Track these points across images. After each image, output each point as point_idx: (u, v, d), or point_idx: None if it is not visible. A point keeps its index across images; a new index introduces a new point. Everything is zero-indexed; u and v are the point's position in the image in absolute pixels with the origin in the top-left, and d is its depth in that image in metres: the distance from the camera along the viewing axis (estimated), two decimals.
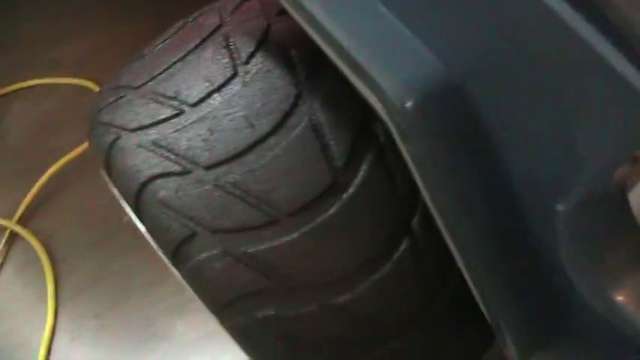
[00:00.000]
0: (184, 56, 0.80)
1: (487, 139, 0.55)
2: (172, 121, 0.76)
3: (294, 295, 0.74)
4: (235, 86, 0.75)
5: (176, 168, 0.74)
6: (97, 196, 1.92)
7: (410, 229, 0.74)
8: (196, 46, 0.80)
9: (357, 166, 0.72)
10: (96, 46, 2.33)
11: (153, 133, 0.77)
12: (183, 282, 0.84)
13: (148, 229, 0.80)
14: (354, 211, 0.72)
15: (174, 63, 0.80)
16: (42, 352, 1.68)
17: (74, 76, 2.26)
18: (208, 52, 0.79)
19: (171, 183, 0.74)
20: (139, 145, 0.77)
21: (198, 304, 1.72)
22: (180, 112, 0.76)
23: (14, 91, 2.31)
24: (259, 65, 0.75)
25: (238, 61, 0.76)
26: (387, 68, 0.53)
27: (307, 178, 0.71)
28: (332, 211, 0.71)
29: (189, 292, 1.70)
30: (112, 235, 1.85)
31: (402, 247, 0.74)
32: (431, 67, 0.54)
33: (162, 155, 0.75)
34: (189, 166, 0.74)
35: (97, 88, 2.17)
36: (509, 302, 0.67)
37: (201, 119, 0.75)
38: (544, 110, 0.50)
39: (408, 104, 0.52)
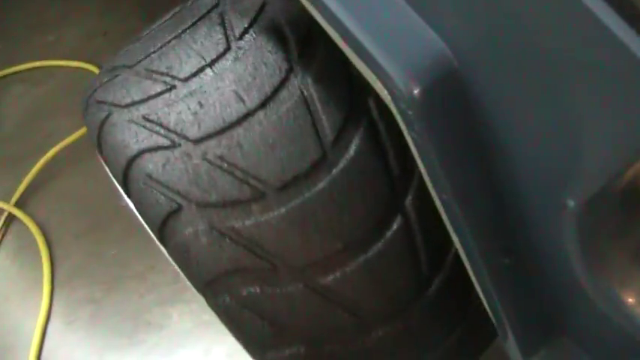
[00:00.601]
0: (179, 34, 0.79)
1: (494, 129, 0.53)
2: (163, 96, 0.75)
3: (280, 273, 0.72)
4: (227, 61, 0.74)
5: (165, 142, 0.73)
6: (94, 182, 1.90)
7: (403, 208, 0.72)
8: (192, 24, 0.79)
9: (348, 142, 0.70)
10: (91, 33, 2.31)
11: (144, 108, 0.75)
12: (170, 259, 0.82)
13: (135, 204, 0.78)
14: (344, 187, 0.70)
15: (169, 41, 0.79)
16: (36, 336, 1.66)
17: (70, 59, 2.24)
18: (203, 30, 0.77)
19: (159, 157, 0.73)
20: (130, 121, 0.76)
21: (193, 294, 1.70)
22: (172, 87, 0.75)
23: (11, 74, 2.28)
24: (252, 41, 0.74)
25: (232, 37, 0.75)
26: (394, 54, 0.51)
27: (296, 152, 0.70)
28: (320, 186, 0.69)
29: (185, 281, 1.69)
30: (108, 220, 1.83)
31: (394, 226, 0.72)
32: (439, 54, 0.51)
33: (151, 129, 0.74)
34: (177, 139, 0.73)
35: (96, 71, 2.15)
36: (513, 299, 0.65)
37: (191, 93, 0.73)
38: (555, 100, 0.47)
39: (416, 91, 0.50)
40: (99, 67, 2.17)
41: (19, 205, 1.93)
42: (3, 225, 1.89)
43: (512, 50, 0.48)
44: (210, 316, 1.61)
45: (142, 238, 1.78)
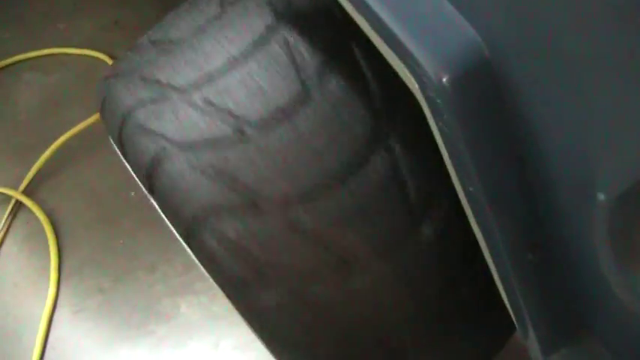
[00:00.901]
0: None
1: (525, 120, 0.52)
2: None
3: (260, 210, 0.71)
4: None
5: (152, 95, 0.76)
6: (105, 171, 1.90)
7: (388, 142, 0.72)
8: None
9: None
10: (103, 22, 2.29)
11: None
12: (160, 211, 0.81)
13: (128, 159, 0.80)
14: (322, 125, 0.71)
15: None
16: (43, 325, 1.66)
17: (82, 47, 2.22)
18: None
19: (148, 110, 0.76)
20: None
21: (203, 285, 1.70)
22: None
23: (23, 62, 2.27)
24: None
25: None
26: (424, 40, 0.50)
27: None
28: (299, 123, 0.71)
29: (195, 272, 1.68)
30: (118, 210, 1.83)
31: (377, 159, 0.71)
32: (470, 41, 0.50)
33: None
34: (167, 91, 0.75)
35: (108, 61, 2.14)
36: (536, 296, 0.64)
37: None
38: (590, 92, 0.46)
39: (445, 79, 0.48)
40: (111, 56, 2.15)
41: (27, 192, 1.92)
42: (11, 212, 1.89)
43: (546, 41, 0.46)
44: (219, 308, 1.61)
45: (152, 228, 1.78)
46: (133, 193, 1.82)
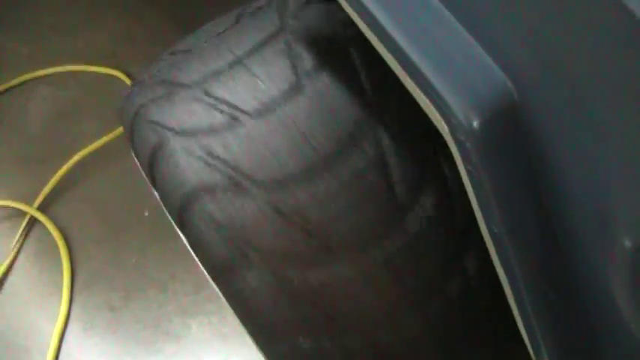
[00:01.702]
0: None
1: (552, 163, 0.52)
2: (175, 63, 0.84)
3: (246, 191, 0.73)
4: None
5: (160, 93, 0.81)
6: (118, 188, 1.91)
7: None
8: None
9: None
10: (118, 39, 2.31)
11: (152, 74, 0.86)
12: (160, 201, 0.84)
13: (135, 148, 0.84)
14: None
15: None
16: (54, 340, 1.66)
17: (97, 64, 2.24)
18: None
19: (155, 105, 0.81)
20: (140, 88, 0.85)
21: (214, 306, 1.70)
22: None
23: (39, 78, 2.29)
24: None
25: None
26: (454, 83, 0.51)
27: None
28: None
29: (205, 292, 1.68)
30: (130, 227, 1.83)
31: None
32: (500, 85, 0.51)
33: (153, 87, 0.83)
34: (174, 88, 0.81)
35: (122, 77, 2.16)
36: (555, 334, 0.64)
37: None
38: (620, 139, 0.47)
39: (475, 123, 0.49)
40: (125, 72, 2.17)
41: (41, 208, 1.94)
42: (25, 228, 1.90)
43: (575, 85, 0.47)
44: (230, 329, 1.61)
45: (163, 247, 1.79)
46: (146, 213, 1.83)
